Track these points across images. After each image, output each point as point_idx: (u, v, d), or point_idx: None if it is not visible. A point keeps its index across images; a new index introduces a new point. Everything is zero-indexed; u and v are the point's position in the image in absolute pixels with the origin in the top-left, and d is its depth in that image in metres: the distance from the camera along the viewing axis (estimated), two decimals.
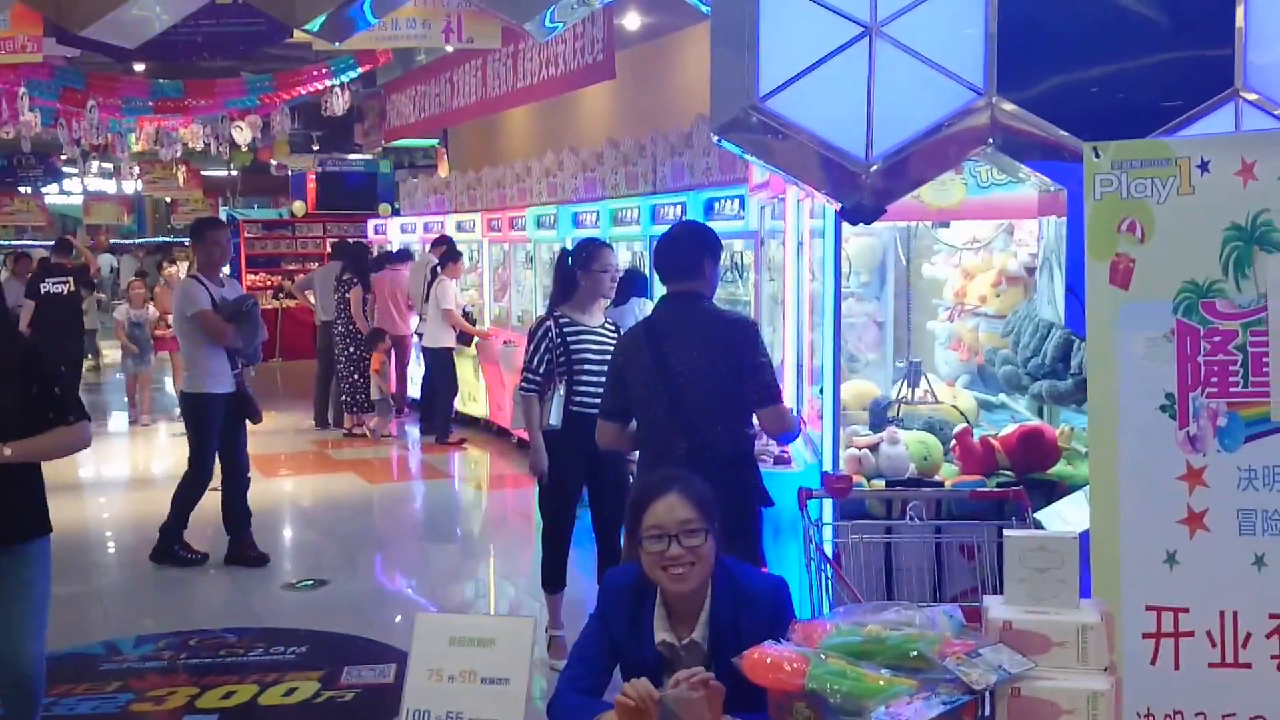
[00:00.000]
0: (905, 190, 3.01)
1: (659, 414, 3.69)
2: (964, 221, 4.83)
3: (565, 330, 4.68)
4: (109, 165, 21.57)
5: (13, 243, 24.38)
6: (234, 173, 23.14)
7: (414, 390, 10.94)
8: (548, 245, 9.13)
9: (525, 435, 4.87)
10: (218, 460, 6.14)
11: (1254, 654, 2.32)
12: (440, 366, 9.68)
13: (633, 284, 6.90)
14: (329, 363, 10.67)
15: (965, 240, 5.05)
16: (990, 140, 2.96)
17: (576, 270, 4.76)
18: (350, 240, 12.74)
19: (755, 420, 3.66)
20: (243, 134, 13.38)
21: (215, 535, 6.32)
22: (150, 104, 12.46)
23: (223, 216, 17.65)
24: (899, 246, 5.22)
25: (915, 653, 1.92)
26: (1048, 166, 3.08)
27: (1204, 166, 2.38)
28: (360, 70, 12.24)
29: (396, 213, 14.31)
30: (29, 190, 24.28)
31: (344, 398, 10.16)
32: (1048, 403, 4.49)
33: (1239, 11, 2.97)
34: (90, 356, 13.73)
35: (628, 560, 2.58)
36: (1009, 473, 3.99)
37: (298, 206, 17.70)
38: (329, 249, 16.21)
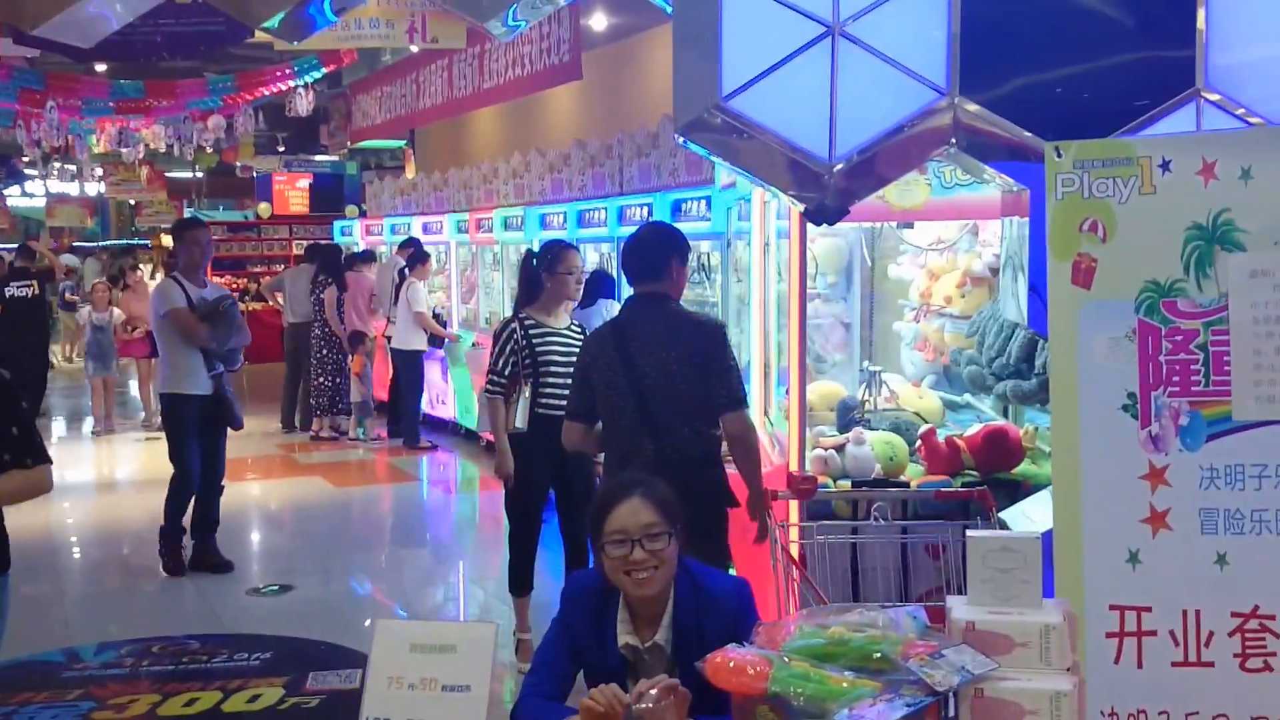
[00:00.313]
0: (869, 191, 3.01)
1: (626, 415, 3.67)
2: (928, 222, 4.84)
3: (530, 332, 4.65)
4: (71, 167, 21.27)
5: None
6: (199, 174, 22.87)
7: (380, 393, 10.85)
8: (515, 247, 9.09)
9: (493, 438, 4.84)
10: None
11: (1216, 652, 2.34)
12: (409, 369, 9.61)
13: (600, 285, 6.88)
14: (296, 365, 10.57)
15: (930, 241, 5.06)
16: (953, 140, 2.96)
17: (541, 272, 4.74)
18: (323, 243, 12.63)
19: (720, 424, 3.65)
20: (206, 135, 13.20)
21: None
22: (111, 104, 12.27)
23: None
24: (865, 247, 5.23)
25: (878, 654, 1.91)
26: (1011, 167, 3.08)
27: (1165, 166, 2.40)
28: (324, 70, 12.13)
29: (363, 214, 14.20)
30: None
31: (314, 400, 10.06)
32: (1012, 403, 4.51)
33: (1200, 12, 2.99)
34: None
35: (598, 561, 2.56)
36: (974, 472, 4.00)
37: (263, 208, 17.52)
38: (297, 251, 16.10)
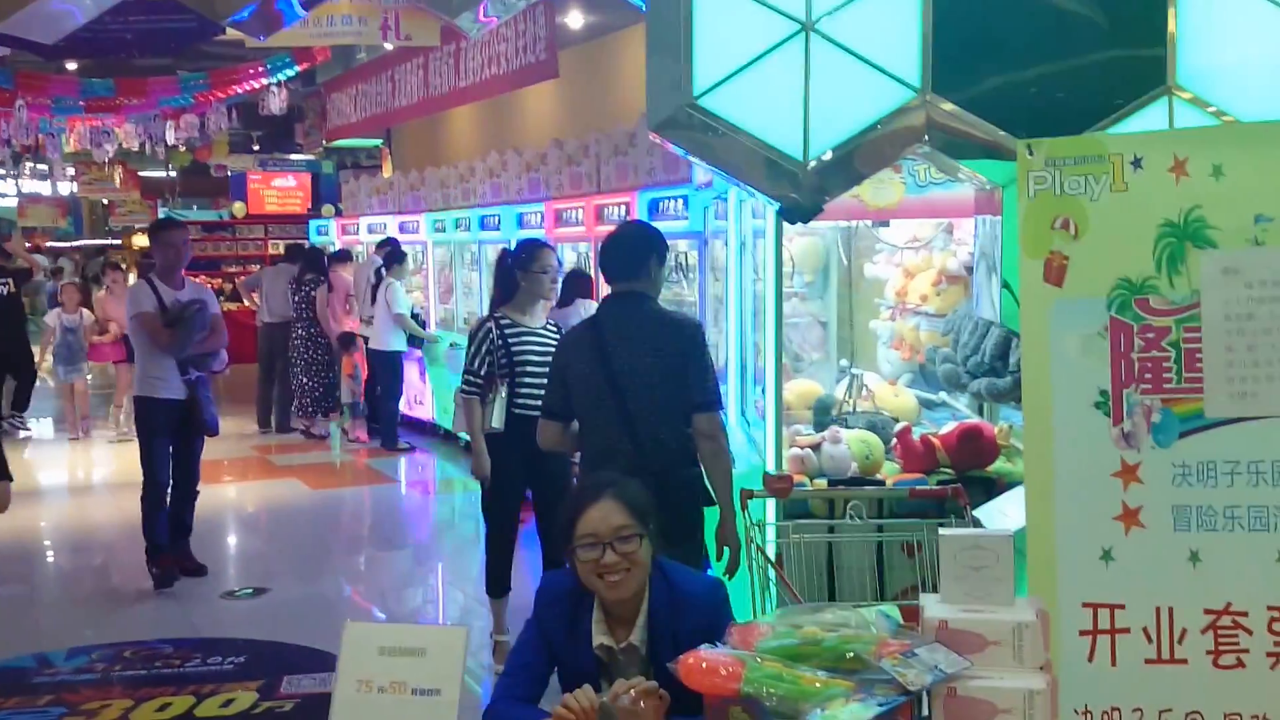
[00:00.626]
0: (842, 189, 3.00)
1: (602, 414, 3.65)
2: (904, 220, 4.85)
3: (506, 331, 4.62)
4: (44, 166, 21.04)
5: None
6: (173, 174, 22.68)
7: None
8: (493, 246, 9.05)
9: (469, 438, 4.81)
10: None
11: (1189, 650, 2.34)
12: (387, 370, 9.54)
13: (578, 285, 6.85)
14: (271, 365, 10.47)
15: (906, 239, 5.07)
16: (926, 138, 2.96)
17: (516, 271, 4.71)
18: (303, 242, 12.55)
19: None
20: (173, 133, 13.04)
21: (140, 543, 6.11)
22: (81, 103, 12.11)
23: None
24: (841, 246, 5.23)
25: (851, 654, 1.90)
26: (986, 165, 3.09)
27: (1137, 163, 2.40)
28: (298, 68, 12.02)
29: (339, 214, 14.10)
30: None
31: (303, 400, 10.00)
32: (987, 400, 4.52)
33: (1171, 11, 3.00)
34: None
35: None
36: (949, 470, 4.01)
37: (238, 207, 17.38)
38: (273, 251, 16.00)
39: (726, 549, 3.55)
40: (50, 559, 6.88)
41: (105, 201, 25.34)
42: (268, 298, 10.55)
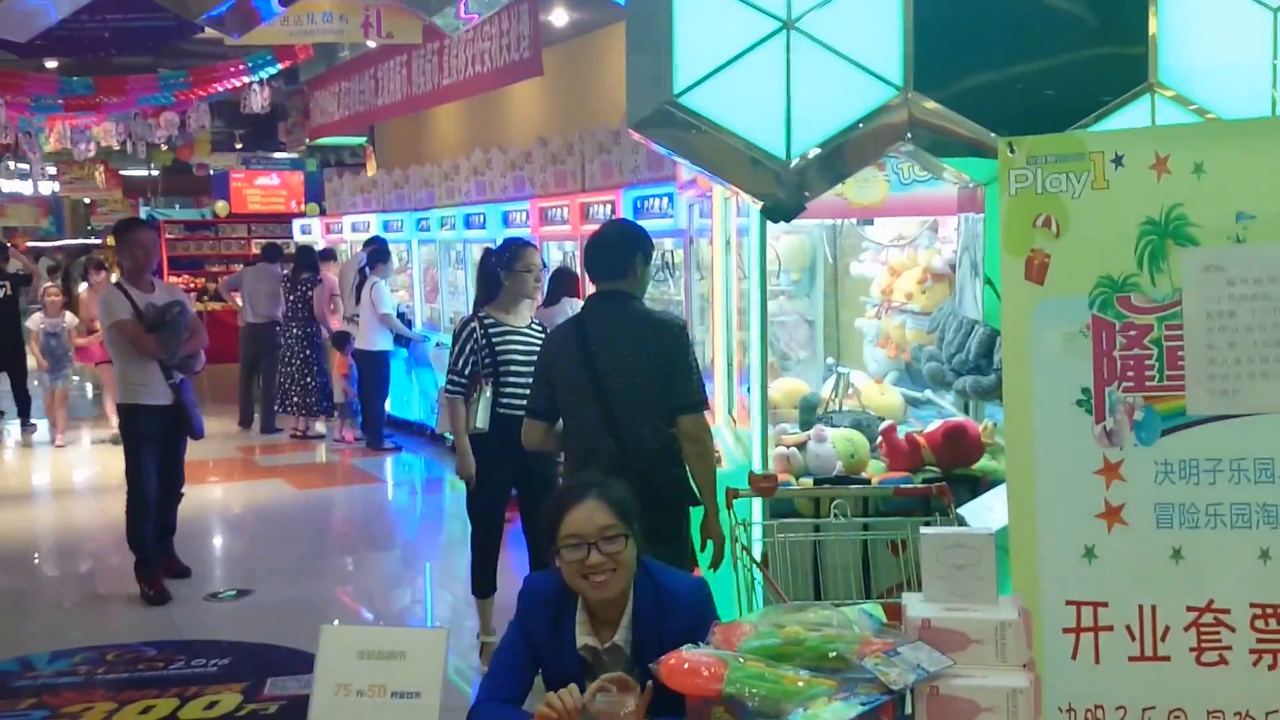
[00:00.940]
0: (825, 187, 2.99)
1: (587, 413, 3.64)
2: (888, 219, 4.85)
3: (490, 331, 4.61)
4: (24, 166, 20.87)
5: None
6: (154, 172, 22.55)
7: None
8: (478, 245, 9.02)
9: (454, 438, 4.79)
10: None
11: (1172, 647, 2.35)
12: (373, 370, 9.50)
13: (563, 283, 6.84)
14: (254, 366, 10.42)
15: (891, 238, 5.08)
16: (909, 136, 2.95)
17: (500, 270, 4.69)
18: (281, 243, 12.48)
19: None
20: (158, 132, 12.94)
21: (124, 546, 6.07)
22: (60, 101, 12.00)
23: (143, 217, 17.15)
24: (827, 245, 5.23)
25: (834, 653, 1.90)
26: (969, 163, 3.08)
27: (1118, 161, 2.40)
28: (279, 66, 11.94)
29: (323, 212, 14.04)
30: None
31: (299, 399, 9.95)
32: (972, 398, 4.52)
33: (1153, 8, 3.00)
34: None
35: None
36: (935, 468, 4.01)
37: (221, 206, 17.27)
38: (257, 250, 15.88)
39: (710, 542, 3.56)
40: (33, 562, 6.82)
41: (87, 201, 25.18)
42: (250, 298, 10.50)
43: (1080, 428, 2.38)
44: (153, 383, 5.59)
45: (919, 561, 3.21)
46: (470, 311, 4.99)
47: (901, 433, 4.12)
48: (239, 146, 18.54)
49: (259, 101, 12.18)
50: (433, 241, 10.16)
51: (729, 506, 3.43)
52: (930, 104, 2.95)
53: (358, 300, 9.41)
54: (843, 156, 2.96)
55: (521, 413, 4.00)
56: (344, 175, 14.07)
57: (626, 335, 3.63)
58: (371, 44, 10.30)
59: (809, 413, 4.44)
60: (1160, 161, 2.38)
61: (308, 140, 15.56)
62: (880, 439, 4.13)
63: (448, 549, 6.86)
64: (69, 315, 10.31)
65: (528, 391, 4.02)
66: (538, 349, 4.17)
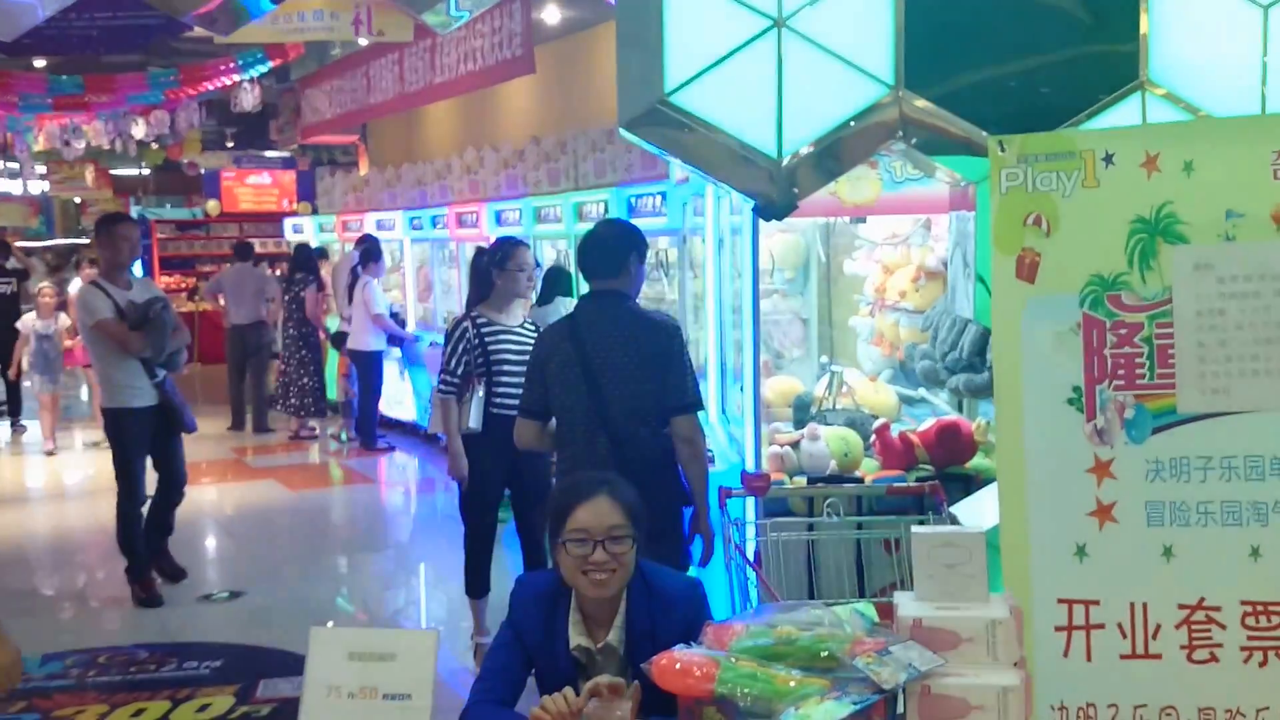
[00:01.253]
0: (816, 186, 2.99)
1: (580, 413, 3.64)
2: (882, 217, 4.85)
3: (483, 330, 4.60)
4: (14, 165, 20.79)
5: None
6: (145, 171, 22.46)
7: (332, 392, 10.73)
8: (471, 244, 9.00)
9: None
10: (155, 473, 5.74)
11: (1164, 645, 2.35)
12: (366, 370, 9.48)
13: (557, 282, 6.82)
14: (241, 367, 10.44)
15: (885, 236, 5.08)
16: (900, 135, 2.95)
17: (492, 269, 4.68)
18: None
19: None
20: (140, 129, 12.85)
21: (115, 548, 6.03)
22: (49, 100, 11.92)
23: (134, 216, 17.07)
24: (820, 243, 5.23)
25: (826, 652, 1.89)
26: (960, 161, 3.08)
27: (1108, 159, 2.40)
28: (270, 64, 11.89)
29: (316, 211, 14.00)
30: None
31: (296, 399, 9.93)
32: (965, 396, 4.53)
33: (1144, 6, 3.00)
34: None
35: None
36: (929, 467, 4.01)
37: (212, 205, 17.20)
38: (231, 250, 15.86)
39: (701, 538, 3.56)
40: (24, 565, 6.80)
41: (77, 200, 25.09)
42: (232, 300, 10.46)
43: (1071, 426, 2.38)
44: (137, 383, 5.48)
45: (912, 560, 3.22)
46: (463, 311, 4.98)
47: (895, 431, 4.12)
48: (230, 145, 18.47)
49: (250, 100, 12.14)
50: (425, 240, 10.15)
51: (722, 506, 3.43)
52: (921, 102, 2.95)
53: (350, 300, 9.39)
54: (834, 155, 2.96)
55: (514, 412, 4.00)
56: (336, 174, 14.03)
57: (620, 335, 3.63)
58: (362, 42, 10.27)
59: (802, 411, 4.44)
60: (1150, 160, 2.39)
61: (299, 139, 15.51)
62: (874, 437, 4.13)
63: (441, 549, 6.83)
64: (62, 316, 10.03)
65: (520, 391, 4.01)
66: (530, 348, 4.17)
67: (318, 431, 10.14)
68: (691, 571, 3.63)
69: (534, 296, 6.36)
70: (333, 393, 10.32)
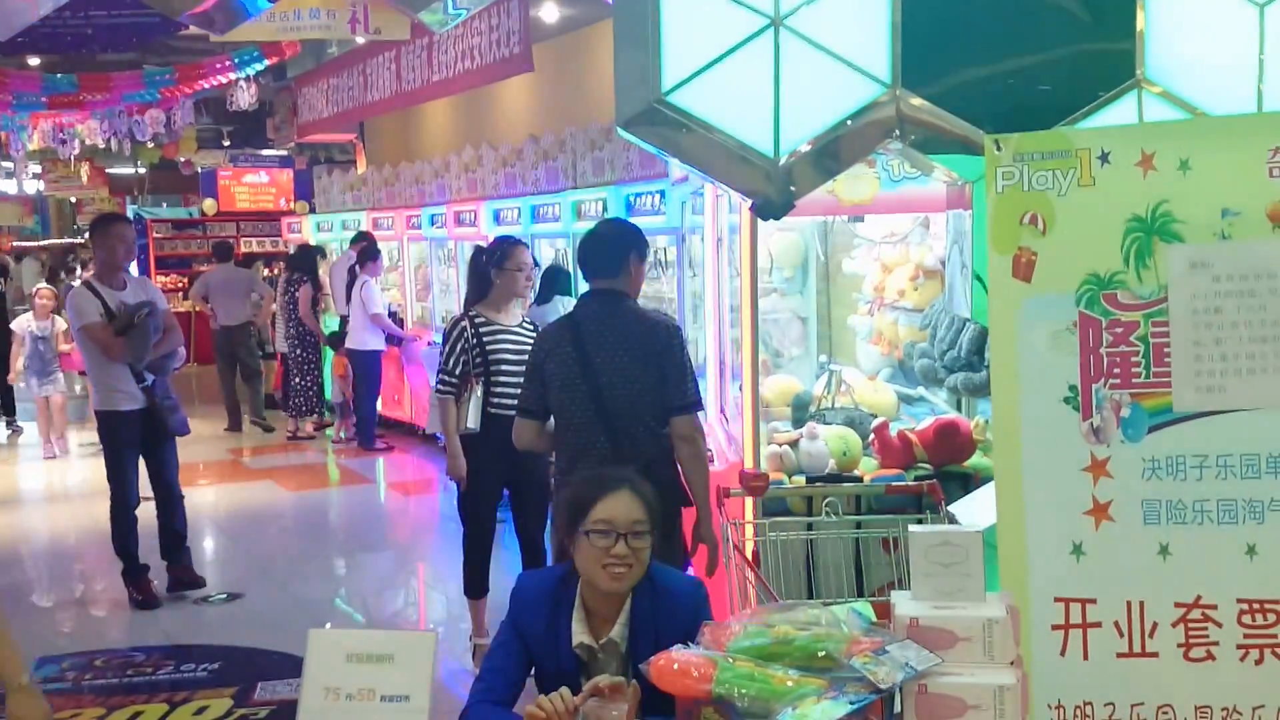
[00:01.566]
0: (814, 185, 2.99)
1: (580, 412, 3.64)
2: (880, 215, 4.85)
3: (481, 330, 4.60)
4: (8, 164, 20.75)
5: None
6: (141, 170, 22.41)
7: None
8: (470, 243, 8.99)
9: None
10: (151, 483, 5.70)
11: (1160, 643, 2.35)
12: (365, 370, 9.48)
13: (556, 282, 6.81)
14: (230, 368, 10.47)
15: (883, 234, 5.07)
16: (896, 133, 2.96)
17: (490, 269, 4.68)
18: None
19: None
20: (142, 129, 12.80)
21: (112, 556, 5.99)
22: (43, 99, 11.85)
23: (129, 215, 17.03)
24: (819, 241, 5.23)
25: (823, 652, 1.90)
26: (956, 160, 3.08)
27: (1104, 158, 2.40)
28: (266, 62, 11.83)
29: (313, 211, 13.97)
30: None
31: (294, 399, 9.92)
32: (964, 395, 4.53)
33: (1140, 4, 3.00)
34: None
35: (559, 559, 2.53)
36: (927, 465, 4.01)
37: (209, 204, 17.15)
38: (246, 249, 15.81)
39: (704, 547, 3.55)
40: (21, 567, 6.79)
41: (73, 199, 25.04)
42: (220, 302, 10.45)
43: (1067, 425, 2.39)
44: (126, 385, 5.44)
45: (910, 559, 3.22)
46: (461, 310, 4.98)
47: (894, 430, 4.12)
48: (226, 144, 18.43)
49: (246, 98, 12.10)
50: (424, 239, 10.14)
51: (720, 505, 3.43)
52: (918, 101, 2.95)
53: (348, 300, 9.39)
54: (831, 154, 2.96)
55: (512, 412, 3.99)
56: (334, 172, 14.00)
57: (620, 334, 3.62)
58: (359, 40, 10.25)
59: (801, 410, 4.44)
60: (1146, 158, 2.39)
61: (296, 137, 15.47)
62: (873, 436, 4.13)
63: (439, 550, 6.84)
64: (59, 319, 9.82)
65: (518, 391, 4.01)
66: (529, 348, 4.17)
67: (314, 431, 10.13)
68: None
69: (532, 296, 6.36)
70: (329, 393, 10.32)
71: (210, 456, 9.50)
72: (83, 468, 9.46)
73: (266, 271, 13.86)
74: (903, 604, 2.00)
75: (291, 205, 16.49)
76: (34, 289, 10.76)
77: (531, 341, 4.33)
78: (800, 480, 3.91)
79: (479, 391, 4.55)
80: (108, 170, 21.78)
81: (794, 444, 4.05)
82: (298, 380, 9.91)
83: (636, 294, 3.81)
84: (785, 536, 3.46)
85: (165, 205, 19.69)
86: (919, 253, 4.93)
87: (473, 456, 4.58)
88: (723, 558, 3.38)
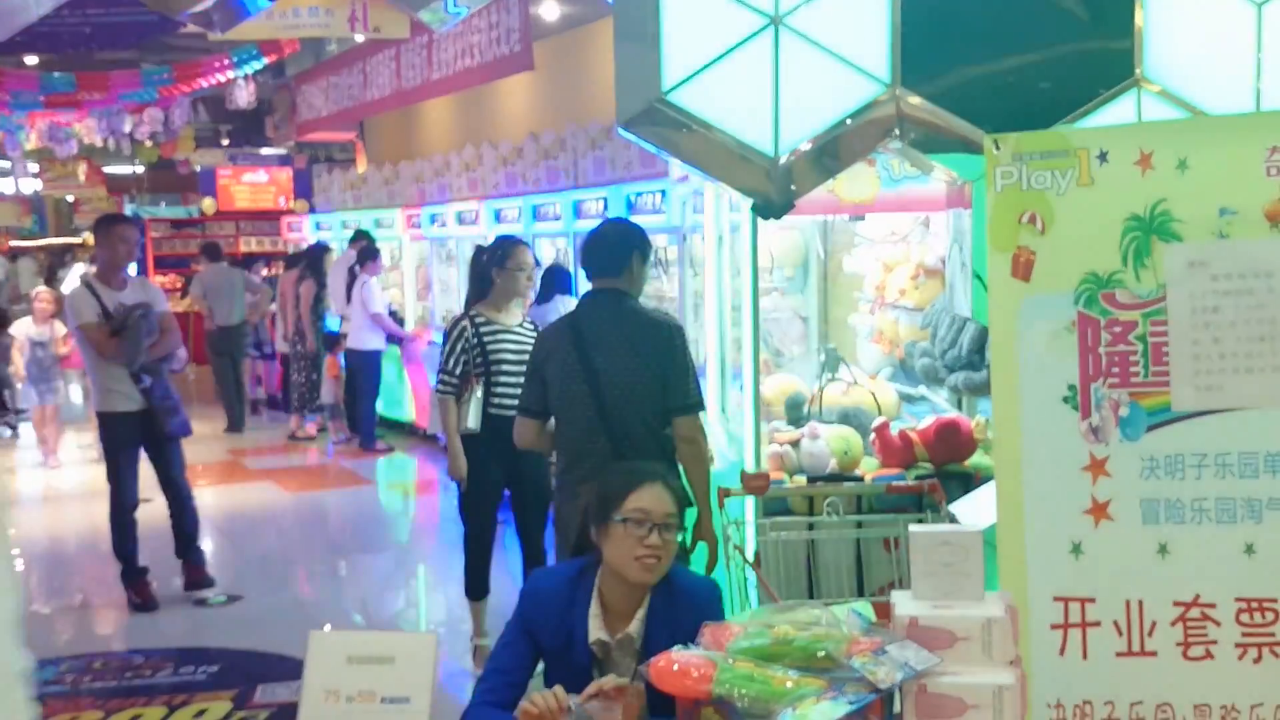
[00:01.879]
0: (814, 184, 2.99)
1: (581, 412, 3.63)
2: (880, 214, 4.85)
3: (481, 330, 4.59)
4: (5, 164, 20.72)
5: None
6: (139, 169, 22.38)
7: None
8: (470, 242, 8.99)
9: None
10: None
11: (1159, 642, 2.35)
12: (365, 370, 9.47)
13: (557, 281, 6.82)
14: (230, 366, 10.50)
15: (884, 233, 5.08)
16: (896, 132, 2.96)
17: (491, 268, 4.67)
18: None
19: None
20: (131, 125, 12.76)
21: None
22: (40, 98, 11.81)
23: (128, 214, 17.00)
24: (820, 241, 5.23)
25: (823, 653, 1.90)
26: (956, 159, 3.09)
27: (1103, 157, 2.40)
28: (265, 61, 11.80)
29: (313, 210, 13.97)
30: None
31: (294, 398, 9.94)
32: (965, 394, 4.53)
33: (1139, 3, 3.01)
34: None
35: (575, 554, 2.53)
36: (928, 465, 4.01)
37: (208, 204, 17.14)
38: (245, 249, 15.82)
39: (705, 545, 3.55)
40: (18, 570, 6.78)
41: (70, 199, 25.00)
42: (215, 302, 10.46)
43: (1066, 424, 2.39)
44: (121, 387, 5.42)
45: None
46: (462, 310, 4.97)
47: (895, 429, 4.12)
48: (225, 143, 18.40)
49: (245, 97, 12.08)
50: (424, 238, 10.14)
51: (720, 506, 3.43)
52: (917, 100, 2.95)
53: (348, 299, 9.38)
54: (831, 153, 2.97)
55: (513, 412, 3.99)
56: (334, 171, 13.99)
57: (622, 334, 3.62)
58: (358, 38, 10.24)
59: (795, 411, 4.43)
60: (1144, 158, 2.39)
61: (295, 136, 15.46)
62: (873, 435, 4.13)
63: (440, 551, 6.83)
64: (58, 324, 9.50)
65: (519, 391, 4.00)
66: (530, 348, 4.16)
67: (314, 431, 10.12)
68: None
69: (533, 296, 6.36)
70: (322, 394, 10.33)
71: (210, 457, 9.48)
72: (83, 469, 9.45)
73: (266, 271, 13.85)
74: (903, 604, 2.00)
75: (291, 204, 16.48)
76: (33, 292, 10.62)
77: (532, 341, 4.32)
78: (801, 480, 3.91)
79: (479, 391, 4.55)
80: (105, 169, 21.73)
81: (795, 443, 4.05)
82: (295, 378, 9.91)
83: (639, 294, 3.80)
84: (786, 536, 3.46)
85: (164, 204, 19.66)
86: (919, 252, 4.93)
87: (473, 457, 4.57)
88: (724, 558, 3.38)
